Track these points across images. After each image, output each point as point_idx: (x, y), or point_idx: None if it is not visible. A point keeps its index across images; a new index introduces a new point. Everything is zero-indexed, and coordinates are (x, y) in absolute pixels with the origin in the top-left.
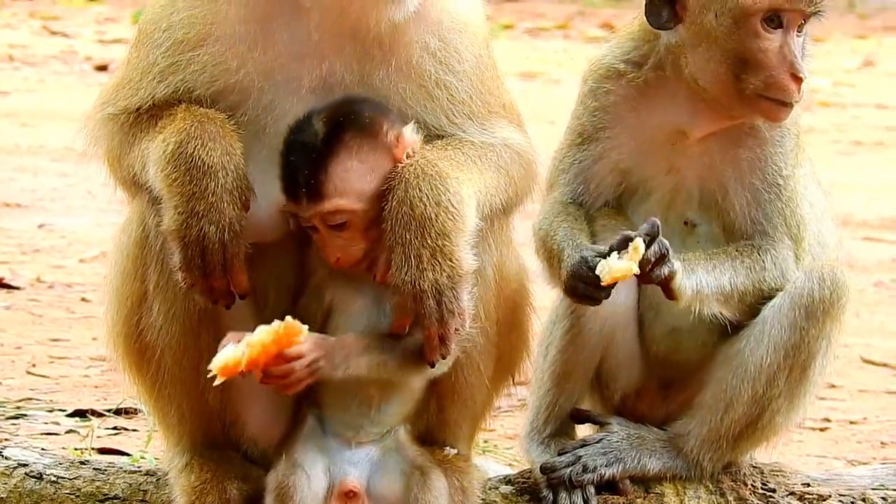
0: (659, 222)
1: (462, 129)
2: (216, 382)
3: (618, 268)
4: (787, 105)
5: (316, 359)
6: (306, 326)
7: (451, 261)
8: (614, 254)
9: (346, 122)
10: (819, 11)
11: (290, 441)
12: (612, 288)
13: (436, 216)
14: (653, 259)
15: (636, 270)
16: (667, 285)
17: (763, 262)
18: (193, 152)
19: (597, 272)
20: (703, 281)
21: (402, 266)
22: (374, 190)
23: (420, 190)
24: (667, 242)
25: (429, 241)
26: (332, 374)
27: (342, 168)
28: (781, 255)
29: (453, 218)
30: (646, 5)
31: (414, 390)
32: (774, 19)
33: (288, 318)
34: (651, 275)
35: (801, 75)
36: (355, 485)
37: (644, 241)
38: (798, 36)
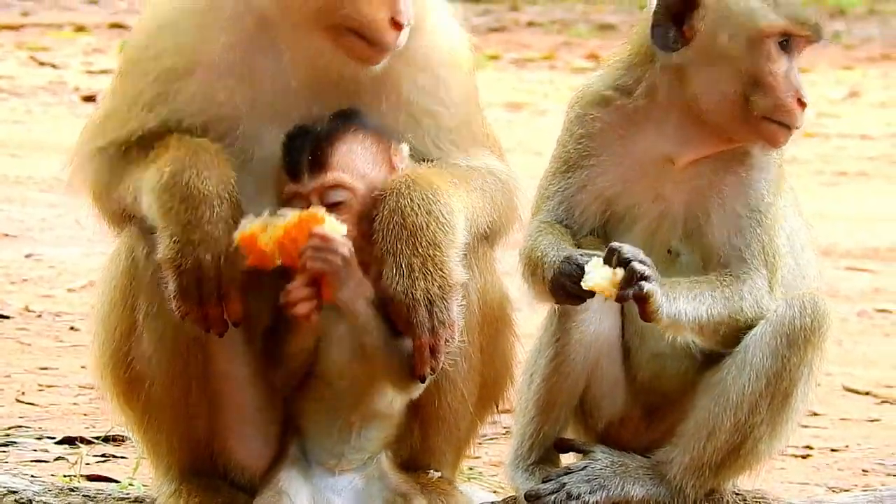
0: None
1: (448, 155)
2: (237, 246)
3: (599, 280)
4: (790, 129)
5: (344, 252)
6: (332, 219)
7: (442, 271)
8: (599, 260)
9: (353, 115)
10: (821, 39)
11: (274, 469)
12: (594, 295)
13: (427, 225)
14: (635, 276)
15: (614, 287)
16: (644, 305)
17: (741, 292)
18: (189, 181)
19: (585, 268)
20: (682, 308)
21: (393, 275)
22: (372, 179)
23: (411, 199)
24: (649, 261)
25: (420, 251)
26: (339, 294)
27: (346, 147)
28: (757, 285)
29: (444, 228)
30: (652, 27)
31: (393, 416)
32: (785, 44)
33: (312, 208)
34: (628, 290)
35: (805, 101)
36: None
37: (626, 260)
38: None
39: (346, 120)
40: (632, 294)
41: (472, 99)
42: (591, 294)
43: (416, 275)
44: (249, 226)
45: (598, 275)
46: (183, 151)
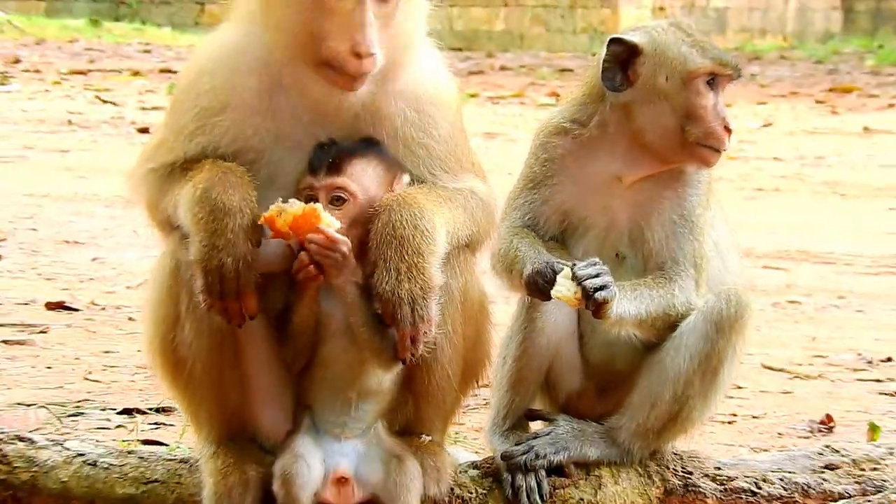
0: (599, 260)
1: (438, 179)
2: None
3: (565, 292)
4: (718, 152)
5: (343, 249)
6: (327, 215)
7: (423, 275)
8: (568, 271)
9: (375, 143)
10: (740, 77)
11: (291, 437)
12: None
13: (412, 237)
14: (597, 286)
15: (577, 298)
16: (601, 308)
17: (673, 290)
18: (216, 196)
19: (559, 276)
20: (626, 308)
21: (383, 278)
22: (372, 194)
23: (401, 215)
24: (606, 269)
25: (406, 258)
26: (334, 279)
27: (360, 164)
28: (686, 285)
29: (426, 240)
30: (602, 71)
31: (385, 392)
32: (711, 82)
33: (314, 204)
34: (588, 303)
35: (730, 128)
36: (346, 472)
37: (584, 279)
38: None
39: (368, 145)
40: (591, 306)
41: (458, 132)
42: (550, 295)
43: (402, 277)
44: (270, 210)
45: (564, 287)
46: (214, 172)
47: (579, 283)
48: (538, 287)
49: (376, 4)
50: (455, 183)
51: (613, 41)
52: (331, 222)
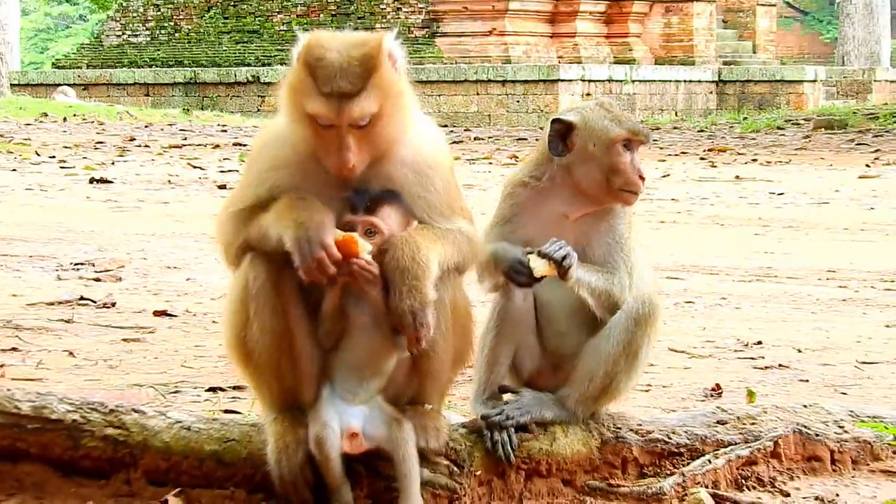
0: (556, 239)
1: (435, 222)
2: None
3: (542, 267)
4: (636, 194)
5: (374, 270)
6: (364, 241)
7: (420, 293)
8: (535, 256)
9: (395, 194)
10: (649, 142)
11: (317, 405)
12: (541, 279)
13: (411, 266)
14: (561, 256)
15: (553, 269)
16: (566, 272)
17: (614, 281)
18: (297, 198)
19: (530, 264)
20: (583, 275)
21: (392, 296)
22: (392, 231)
23: (403, 251)
24: (564, 243)
25: (406, 281)
26: (366, 287)
27: (387, 208)
28: (624, 282)
29: (421, 268)
30: (549, 142)
31: (386, 373)
32: (627, 145)
33: (352, 233)
34: (562, 265)
35: (644, 176)
36: (356, 429)
37: (552, 253)
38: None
39: (393, 195)
40: (561, 271)
41: (450, 186)
42: (539, 280)
43: (404, 296)
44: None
45: (539, 264)
46: (290, 194)
47: (549, 259)
48: (519, 281)
49: (357, 130)
50: (448, 224)
51: (555, 121)
52: (365, 247)
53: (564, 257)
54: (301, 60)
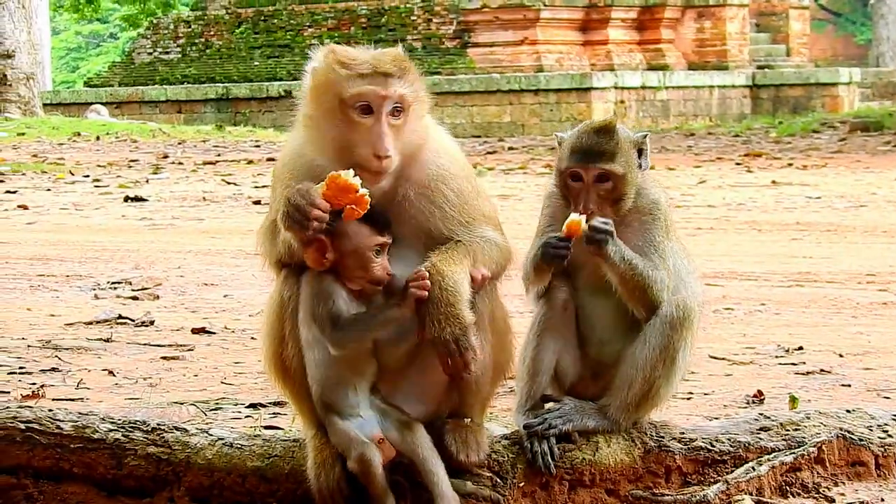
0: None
1: (455, 231)
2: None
3: (576, 218)
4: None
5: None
6: (356, 180)
7: (457, 318)
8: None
9: None
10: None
11: (347, 423)
12: (571, 244)
13: (441, 296)
14: (597, 224)
15: (584, 224)
16: (601, 247)
17: (655, 273)
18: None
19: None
20: (626, 254)
21: (430, 327)
22: None
23: (433, 282)
24: (611, 223)
25: (441, 309)
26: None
27: None
28: (663, 276)
29: (452, 294)
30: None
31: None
32: (575, 175)
33: (338, 173)
34: (594, 235)
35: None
36: (381, 435)
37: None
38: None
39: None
40: (596, 237)
41: (467, 193)
42: (570, 248)
43: (443, 325)
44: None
45: (573, 218)
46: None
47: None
48: (552, 255)
49: (391, 118)
50: (469, 231)
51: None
52: (357, 183)
53: (603, 230)
54: (328, 61)
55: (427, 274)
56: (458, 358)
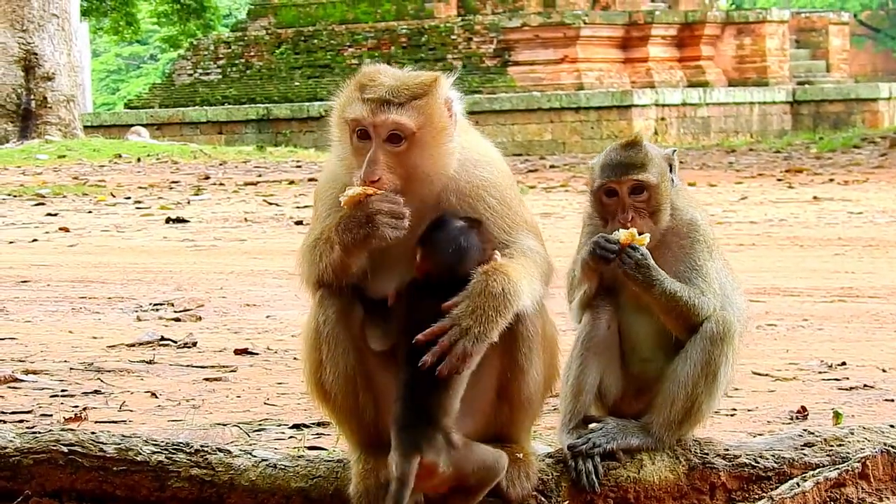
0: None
1: (497, 238)
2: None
3: (624, 233)
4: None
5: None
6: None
7: (487, 326)
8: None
9: (479, 222)
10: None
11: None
12: (619, 246)
13: (498, 295)
14: (630, 253)
15: (641, 237)
16: (641, 267)
17: (704, 300)
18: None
19: (614, 236)
20: (667, 286)
21: (461, 303)
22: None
23: (496, 279)
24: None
25: (487, 307)
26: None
27: (462, 235)
28: (710, 297)
29: (506, 303)
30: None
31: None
32: (610, 192)
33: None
34: (626, 259)
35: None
36: (429, 460)
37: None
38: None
39: (472, 222)
40: (630, 259)
41: (508, 200)
42: (617, 253)
43: (474, 315)
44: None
45: (622, 233)
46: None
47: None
48: (600, 255)
49: (388, 145)
50: (512, 238)
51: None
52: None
53: (643, 259)
54: (354, 81)
55: (499, 264)
56: (448, 345)
